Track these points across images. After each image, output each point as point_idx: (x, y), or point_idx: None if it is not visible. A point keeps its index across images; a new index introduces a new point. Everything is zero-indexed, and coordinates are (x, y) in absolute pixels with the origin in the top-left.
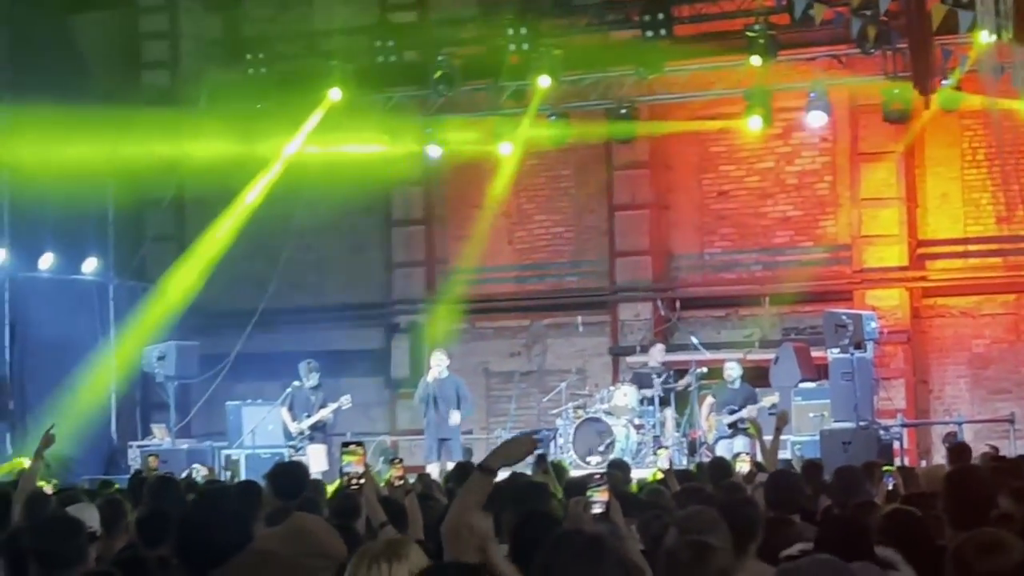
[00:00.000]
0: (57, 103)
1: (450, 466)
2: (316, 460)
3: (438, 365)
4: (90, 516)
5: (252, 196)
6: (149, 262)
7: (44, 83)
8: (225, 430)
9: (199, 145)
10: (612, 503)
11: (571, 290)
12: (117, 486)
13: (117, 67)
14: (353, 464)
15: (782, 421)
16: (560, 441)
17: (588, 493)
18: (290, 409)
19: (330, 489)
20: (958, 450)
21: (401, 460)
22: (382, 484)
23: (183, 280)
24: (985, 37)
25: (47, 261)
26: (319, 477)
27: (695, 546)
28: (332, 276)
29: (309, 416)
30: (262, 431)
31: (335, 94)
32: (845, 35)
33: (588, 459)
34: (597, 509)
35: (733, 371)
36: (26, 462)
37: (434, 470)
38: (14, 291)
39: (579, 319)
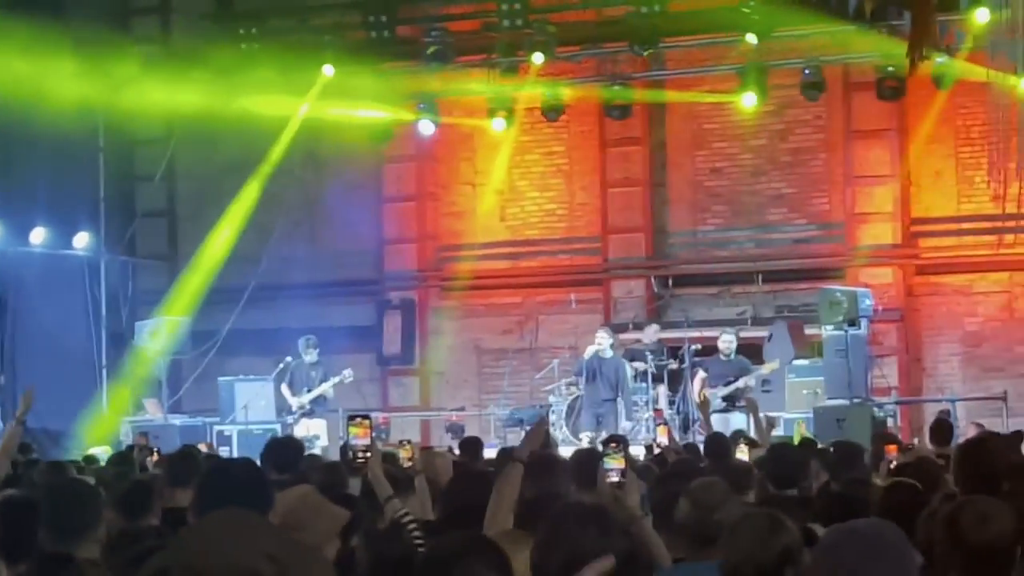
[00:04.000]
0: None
1: (603, 435)
2: (315, 432)
3: (600, 343)
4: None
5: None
6: (140, 237)
7: (34, 58)
8: (217, 406)
9: (190, 120)
10: (628, 473)
11: (564, 267)
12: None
13: (107, 43)
14: (359, 437)
15: (751, 407)
16: (552, 418)
17: (604, 461)
18: (289, 384)
19: None
20: (939, 428)
21: (410, 442)
22: None
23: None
24: (983, 15)
25: (39, 236)
26: (318, 452)
27: (770, 517)
28: (324, 252)
29: (310, 391)
30: (254, 406)
31: (328, 70)
32: (842, 11)
33: (580, 436)
34: (614, 477)
35: (730, 344)
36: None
37: (585, 438)
38: (5, 266)
39: (572, 296)
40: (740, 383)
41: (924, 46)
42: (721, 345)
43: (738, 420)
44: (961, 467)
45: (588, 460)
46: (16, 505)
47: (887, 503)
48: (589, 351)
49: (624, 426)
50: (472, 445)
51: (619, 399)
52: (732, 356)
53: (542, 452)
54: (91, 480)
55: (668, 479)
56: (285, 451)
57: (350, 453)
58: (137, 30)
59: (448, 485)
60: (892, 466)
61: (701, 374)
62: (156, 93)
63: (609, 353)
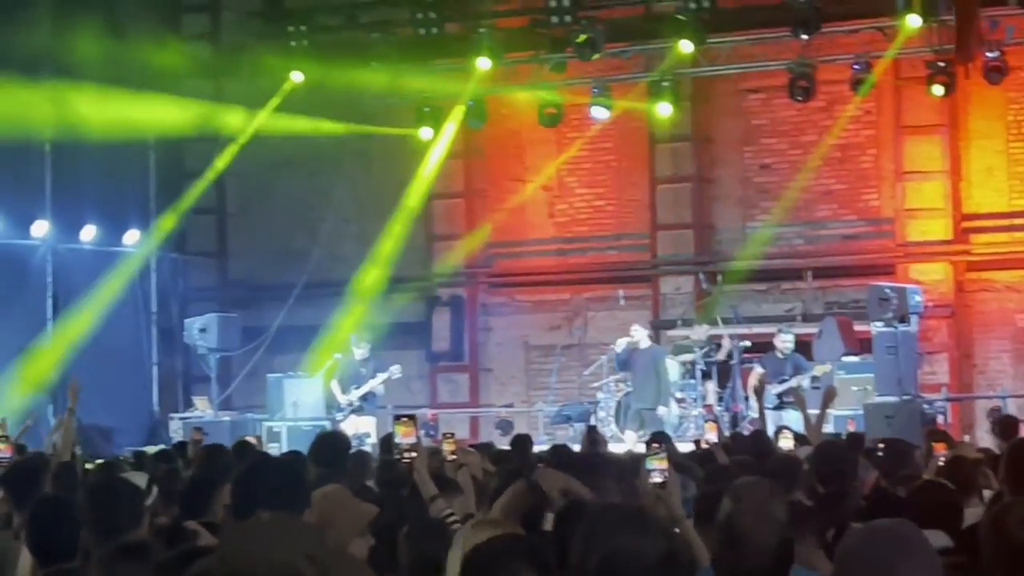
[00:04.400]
0: (98, 76)
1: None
2: (365, 430)
3: (635, 335)
4: (139, 483)
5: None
6: (190, 234)
7: (86, 56)
8: (266, 402)
9: (238, 118)
10: (671, 474)
11: (612, 263)
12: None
13: (158, 39)
14: (404, 436)
15: (830, 395)
16: (601, 414)
17: (647, 462)
18: (339, 381)
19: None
20: (1005, 423)
21: (454, 435)
22: None
23: None
24: None
25: (89, 233)
26: (367, 449)
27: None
28: (373, 249)
29: (358, 388)
30: (303, 403)
31: (375, 67)
32: (890, 7)
33: (628, 432)
34: (656, 478)
35: (788, 342)
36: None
37: (630, 437)
38: (56, 263)
39: (620, 292)
40: (793, 382)
41: (970, 42)
42: (778, 343)
43: (790, 418)
44: (1009, 466)
45: (631, 464)
46: (52, 505)
47: (916, 502)
48: (622, 343)
49: (661, 412)
50: (521, 443)
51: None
52: (789, 354)
53: (588, 453)
54: (144, 477)
55: (714, 478)
56: (331, 447)
57: (395, 452)
58: (187, 27)
59: (497, 486)
60: (940, 464)
61: (759, 369)
62: (206, 90)
63: (646, 343)
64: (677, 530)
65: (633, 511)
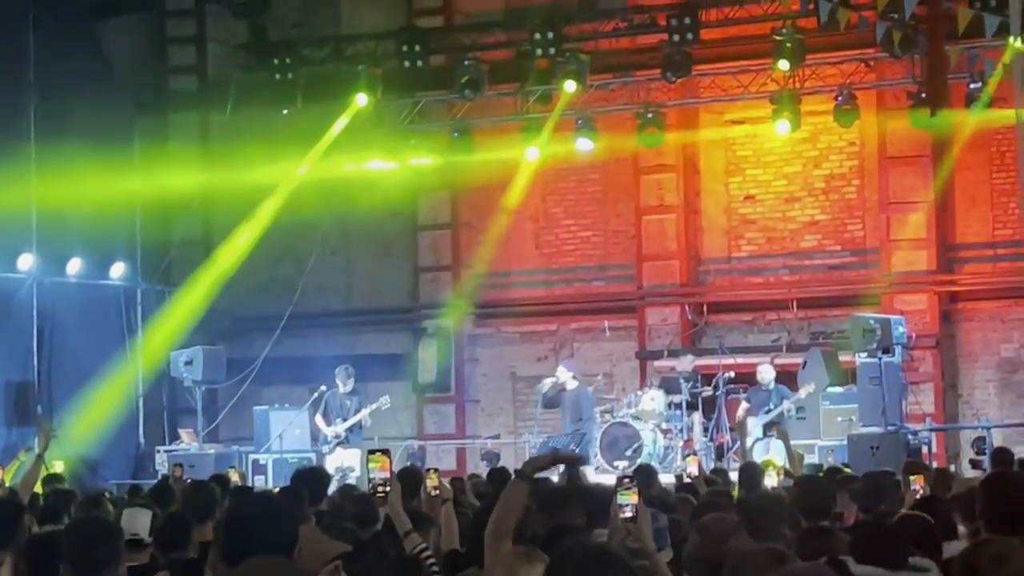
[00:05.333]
0: (84, 108)
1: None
2: (349, 464)
3: (561, 376)
4: (142, 523)
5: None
6: (176, 267)
7: (71, 87)
8: (252, 435)
9: (226, 150)
10: (641, 508)
11: (598, 294)
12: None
13: (144, 72)
14: (378, 471)
15: (782, 436)
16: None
17: (618, 496)
18: (324, 414)
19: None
20: (1000, 455)
21: (437, 470)
22: None
23: (205, 285)
24: (1015, 42)
25: (75, 266)
26: (353, 481)
27: (772, 553)
28: (359, 280)
29: (345, 420)
30: (289, 435)
31: (361, 99)
32: (872, 39)
33: (615, 464)
34: (627, 512)
35: (766, 374)
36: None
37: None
38: (42, 296)
39: (606, 323)
40: (780, 408)
41: (941, 77)
42: (758, 377)
43: (778, 447)
44: (983, 501)
45: (601, 496)
46: (38, 544)
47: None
48: (547, 383)
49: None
50: (500, 476)
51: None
52: (771, 385)
53: (556, 485)
54: (147, 514)
55: (701, 511)
56: (311, 482)
57: (370, 486)
58: (173, 59)
59: (473, 518)
60: (918, 496)
61: (744, 404)
62: (191, 122)
63: (572, 385)
64: (647, 563)
65: (598, 547)
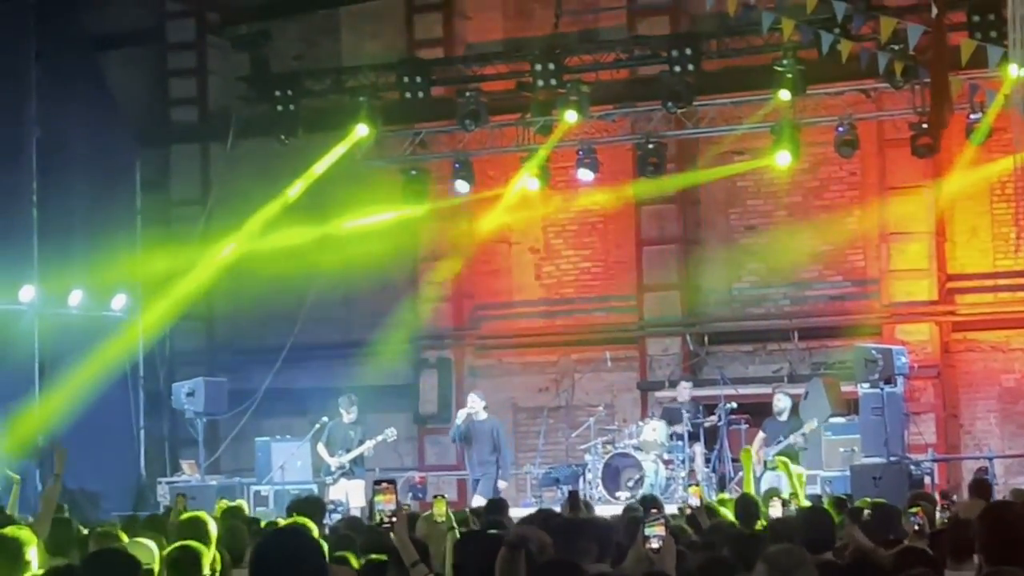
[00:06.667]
0: (86, 140)
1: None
2: (354, 496)
3: (473, 406)
4: (149, 553)
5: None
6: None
7: (73, 119)
8: (254, 466)
9: (228, 179)
10: (667, 540)
11: (599, 325)
12: None
13: (145, 104)
14: (385, 503)
15: (783, 466)
16: (589, 476)
17: (645, 528)
18: (326, 445)
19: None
20: (978, 486)
21: (444, 496)
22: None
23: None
24: (1014, 71)
25: (76, 298)
26: (357, 514)
27: None
28: (359, 311)
29: (348, 451)
30: (291, 467)
31: (362, 130)
32: (873, 69)
33: (617, 495)
34: (655, 544)
35: (781, 402)
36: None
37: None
38: (43, 328)
39: (607, 354)
40: (790, 440)
41: (944, 108)
42: (774, 407)
43: (783, 481)
44: (983, 532)
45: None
46: None
47: (898, 567)
48: (461, 415)
49: (502, 485)
50: (497, 507)
51: (498, 460)
52: (786, 415)
53: (567, 518)
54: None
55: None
56: (305, 512)
57: (377, 518)
58: (174, 91)
59: (457, 547)
60: (915, 528)
61: (761, 435)
62: (192, 154)
63: (483, 416)
64: None
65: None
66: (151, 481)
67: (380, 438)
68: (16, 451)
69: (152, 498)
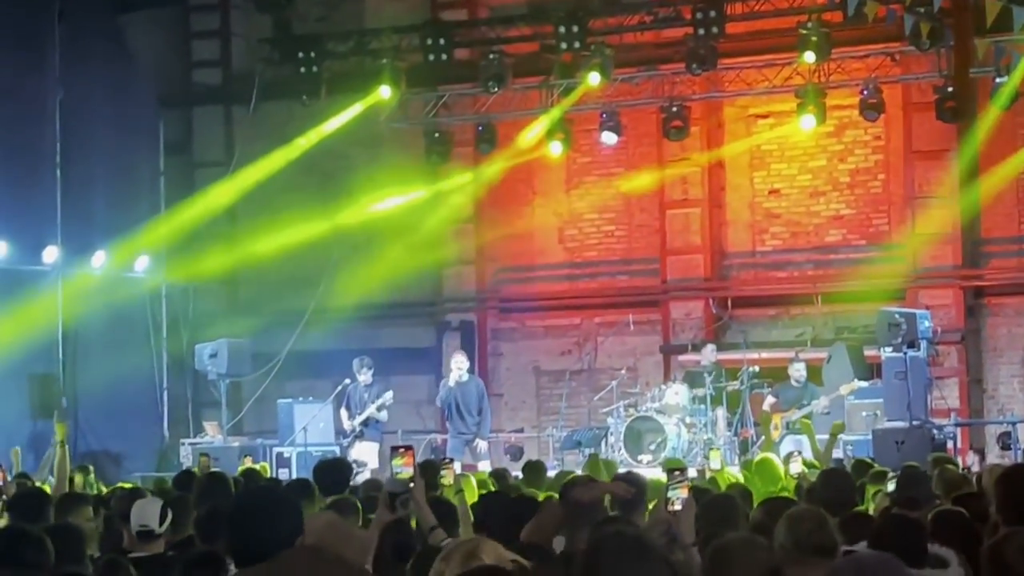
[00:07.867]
0: (109, 101)
1: (482, 465)
2: (368, 457)
3: (459, 368)
4: (151, 512)
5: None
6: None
7: (96, 81)
8: (276, 428)
9: (251, 141)
10: (688, 501)
11: (622, 288)
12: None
13: (168, 66)
14: (403, 467)
15: (837, 431)
16: (611, 440)
17: (668, 491)
18: (347, 407)
19: None
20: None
21: (452, 460)
22: None
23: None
24: None
25: (99, 259)
26: (368, 475)
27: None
28: (382, 274)
29: (362, 413)
30: (313, 429)
31: (385, 92)
32: (898, 32)
33: (639, 458)
34: (676, 506)
35: (800, 371)
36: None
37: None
38: (66, 289)
39: (630, 317)
40: (813, 406)
41: (967, 70)
42: (792, 372)
43: (794, 444)
44: (1001, 495)
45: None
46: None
47: (935, 528)
48: (452, 378)
49: (481, 446)
50: (535, 469)
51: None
52: (803, 382)
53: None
54: (158, 503)
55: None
56: (332, 473)
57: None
58: (197, 53)
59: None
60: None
61: (770, 399)
62: (215, 116)
63: (466, 377)
64: (682, 556)
65: (634, 538)
66: (174, 442)
67: (380, 401)
68: (41, 412)
69: (175, 459)
